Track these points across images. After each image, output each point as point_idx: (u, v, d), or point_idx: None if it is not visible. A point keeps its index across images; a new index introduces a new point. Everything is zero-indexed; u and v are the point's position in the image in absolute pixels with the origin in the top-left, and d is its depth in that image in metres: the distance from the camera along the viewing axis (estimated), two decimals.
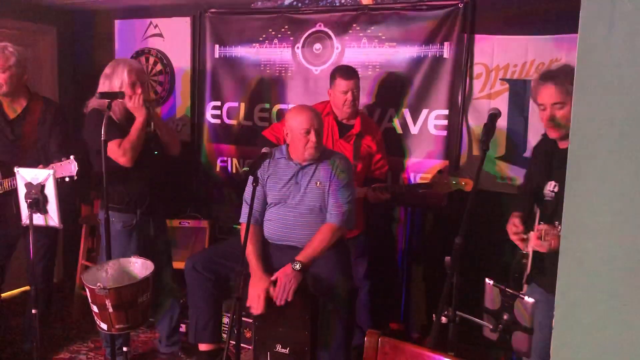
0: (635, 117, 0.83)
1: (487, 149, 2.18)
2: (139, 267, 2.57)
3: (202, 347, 2.88)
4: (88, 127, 2.97)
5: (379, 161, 3.28)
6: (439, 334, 2.10)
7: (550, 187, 2.31)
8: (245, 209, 2.81)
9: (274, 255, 2.79)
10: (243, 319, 3.13)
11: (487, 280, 2.15)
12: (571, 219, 0.90)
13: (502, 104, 3.21)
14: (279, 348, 2.70)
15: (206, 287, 2.78)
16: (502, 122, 3.19)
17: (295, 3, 3.72)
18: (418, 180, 3.44)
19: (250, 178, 2.48)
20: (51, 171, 2.55)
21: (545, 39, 3.07)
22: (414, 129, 3.44)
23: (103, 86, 2.95)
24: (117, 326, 2.32)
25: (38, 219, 2.60)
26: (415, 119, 3.43)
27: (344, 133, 3.17)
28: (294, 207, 2.75)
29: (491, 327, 2.09)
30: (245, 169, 3.93)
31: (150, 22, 4.22)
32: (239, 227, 3.05)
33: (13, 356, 3.32)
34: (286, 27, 3.72)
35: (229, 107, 3.98)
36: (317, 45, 3.65)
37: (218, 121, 4.03)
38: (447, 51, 3.30)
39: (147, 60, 4.24)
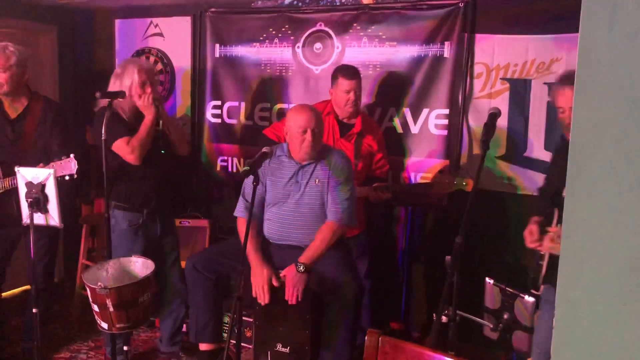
0: (636, 116, 0.83)
1: (487, 148, 2.19)
2: (140, 266, 2.57)
3: (203, 346, 2.88)
4: (98, 125, 2.99)
5: (379, 160, 3.28)
6: (440, 333, 2.11)
7: None
8: (241, 203, 2.83)
9: (275, 254, 2.79)
10: (243, 318, 3.14)
11: (487, 279, 2.15)
12: (572, 219, 0.90)
13: (502, 103, 3.21)
14: (279, 347, 2.70)
15: (207, 287, 2.78)
16: (502, 122, 3.19)
17: (295, 2, 3.72)
18: (419, 180, 3.44)
19: (251, 177, 2.47)
20: (52, 170, 2.56)
21: (546, 38, 3.07)
22: (414, 129, 3.44)
23: (114, 85, 2.98)
24: (117, 325, 2.33)
25: (39, 218, 2.61)
26: (415, 118, 3.43)
27: (344, 132, 3.17)
28: (294, 206, 2.75)
29: (491, 326, 2.10)
30: (245, 168, 3.93)
31: (151, 22, 4.22)
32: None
33: (14, 355, 3.32)
34: (286, 26, 3.72)
35: (230, 106, 3.98)
36: (318, 45, 3.65)
37: (218, 120, 4.03)
38: (447, 50, 3.30)
39: (147, 59, 4.23)
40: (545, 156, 3.16)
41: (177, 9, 4.10)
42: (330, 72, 3.33)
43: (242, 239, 2.65)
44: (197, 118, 4.10)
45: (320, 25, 3.62)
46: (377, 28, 3.46)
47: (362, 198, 3.11)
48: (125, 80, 2.94)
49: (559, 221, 2.26)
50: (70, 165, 2.68)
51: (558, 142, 2.55)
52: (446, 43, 3.29)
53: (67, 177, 2.68)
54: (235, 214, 2.87)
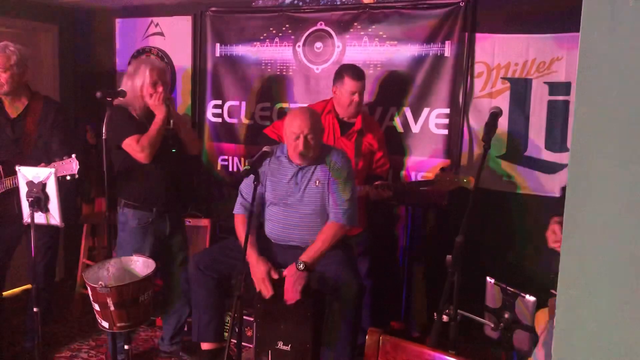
0: (637, 116, 0.83)
1: (488, 147, 2.19)
2: (141, 265, 2.57)
3: (205, 345, 2.88)
4: (108, 123, 3.00)
5: (380, 159, 3.28)
6: (440, 333, 2.11)
7: None
8: (239, 201, 2.85)
9: (277, 254, 2.79)
10: (244, 317, 3.15)
11: (488, 278, 2.15)
12: (573, 218, 0.90)
13: (503, 102, 3.21)
14: (280, 345, 2.71)
15: (209, 286, 2.79)
16: (503, 121, 3.19)
17: (296, 2, 3.72)
18: (420, 179, 3.44)
19: (251, 176, 2.47)
20: (52, 170, 2.56)
21: (546, 37, 3.08)
22: (415, 128, 3.44)
23: (125, 85, 3.00)
24: (118, 324, 2.33)
25: (39, 218, 2.61)
26: (416, 117, 3.43)
27: (345, 131, 3.17)
28: (295, 208, 2.75)
29: (492, 325, 2.09)
30: (246, 167, 3.93)
31: (151, 21, 4.22)
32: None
33: (14, 354, 3.32)
34: (287, 25, 3.72)
35: (230, 105, 3.98)
36: (318, 44, 3.65)
37: (219, 120, 4.03)
38: (448, 50, 3.30)
39: (147, 58, 4.23)
40: (546, 155, 3.16)
41: (177, 9, 4.10)
42: (331, 71, 3.33)
43: (240, 236, 2.66)
44: (197, 117, 4.11)
45: (321, 24, 3.62)
46: (378, 27, 3.46)
47: (363, 197, 3.11)
48: (137, 80, 2.96)
49: None
50: (71, 165, 2.68)
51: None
52: (447, 42, 3.29)
53: (68, 178, 2.69)
54: (234, 211, 2.88)
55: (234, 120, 3.98)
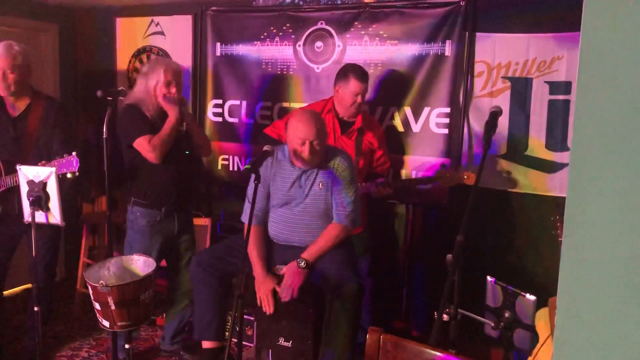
0: (637, 115, 0.83)
1: (488, 146, 2.19)
2: (141, 264, 2.57)
3: (206, 344, 2.88)
4: (121, 122, 3.01)
5: (380, 157, 3.28)
6: (441, 332, 2.11)
7: None
8: (247, 208, 2.82)
9: (279, 253, 2.80)
10: (245, 316, 3.15)
11: (488, 278, 2.15)
12: (573, 217, 0.90)
13: (503, 102, 3.21)
14: (281, 341, 2.72)
15: (212, 285, 2.79)
16: (503, 120, 3.19)
17: (296, 1, 3.72)
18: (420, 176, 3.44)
19: (252, 176, 2.48)
20: (53, 169, 2.56)
21: (547, 36, 3.07)
22: (415, 127, 3.44)
23: (140, 84, 3.02)
24: (119, 323, 2.33)
25: (40, 217, 2.61)
26: (416, 117, 3.43)
27: (345, 129, 3.17)
28: (300, 210, 2.75)
29: (493, 324, 2.10)
30: (247, 166, 3.93)
31: (152, 20, 4.22)
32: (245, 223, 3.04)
33: (15, 354, 3.33)
34: (287, 25, 3.72)
35: (231, 105, 3.98)
36: (319, 43, 3.65)
37: (220, 119, 4.03)
38: (448, 49, 3.30)
39: (148, 58, 4.24)
40: (547, 155, 3.16)
41: (178, 8, 4.10)
42: (331, 70, 3.33)
43: (249, 246, 2.66)
44: (198, 117, 4.10)
45: (321, 23, 3.62)
46: (378, 27, 3.46)
47: (364, 195, 3.11)
48: (152, 79, 2.97)
49: None
50: (72, 163, 2.69)
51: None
52: (447, 42, 3.29)
53: (69, 175, 2.69)
54: (242, 219, 2.83)
55: (235, 120, 3.98)
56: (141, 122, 2.92)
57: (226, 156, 4.03)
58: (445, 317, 2.13)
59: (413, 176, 3.47)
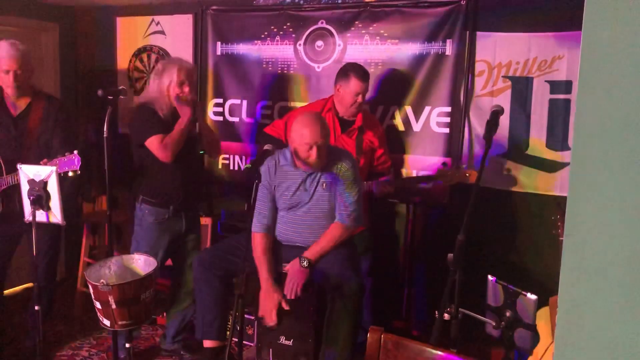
0: (638, 114, 0.83)
1: (489, 146, 2.19)
2: (142, 263, 2.57)
3: (207, 343, 2.89)
4: (133, 121, 3.02)
5: (381, 156, 3.28)
6: (442, 331, 2.11)
7: None
8: (257, 217, 2.79)
9: (283, 252, 2.81)
10: (245, 315, 3.15)
11: (489, 277, 2.15)
12: (574, 217, 0.90)
13: (504, 101, 3.21)
14: (282, 340, 2.72)
15: (214, 284, 2.79)
16: (504, 120, 3.19)
17: (297, 0, 3.72)
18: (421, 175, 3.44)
19: (255, 182, 2.47)
20: (54, 168, 2.56)
21: (548, 36, 3.07)
22: (416, 127, 3.44)
23: (153, 83, 3.02)
24: (120, 323, 2.33)
25: (41, 216, 2.61)
26: (417, 116, 3.43)
27: (345, 128, 3.17)
28: (306, 212, 2.77)
29: (494, 323, 2.10)
30: (247, 165, 3.94)
31: (152, 20, 4.22)
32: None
33: (16, 353, 3.33)
34: (288, 24, 3.71)
35: (231, 104, 3.98)
36: (319, 43, 3.65)
37: (220, 118, 4.03)
38: (449, 48, 3.29)
39: (148, 57, 4.24)
40: (547, 154, 3.16)
41: (178, 7, 4.10)
42: (332, 69, 3.33)
43: (257, 255, 2.69)
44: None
45: (322, 23, 3.62)
46: (379, 26, 3.46)
47: (366, 194, 3.11)
48: (165, 79, 2.97)
49: None
50: (74, 161, 2.69)
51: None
52: (448, 41, 3.29)
53: (70, 174, 2.69)
54: (253, 230, 2.79)
55: (235, 119, 3.98)
56: (153, 122, 2.93)
57: (227, 155, 4.03)
58: (446, 316, 2.13)
59: (414, 175, 3.46)
